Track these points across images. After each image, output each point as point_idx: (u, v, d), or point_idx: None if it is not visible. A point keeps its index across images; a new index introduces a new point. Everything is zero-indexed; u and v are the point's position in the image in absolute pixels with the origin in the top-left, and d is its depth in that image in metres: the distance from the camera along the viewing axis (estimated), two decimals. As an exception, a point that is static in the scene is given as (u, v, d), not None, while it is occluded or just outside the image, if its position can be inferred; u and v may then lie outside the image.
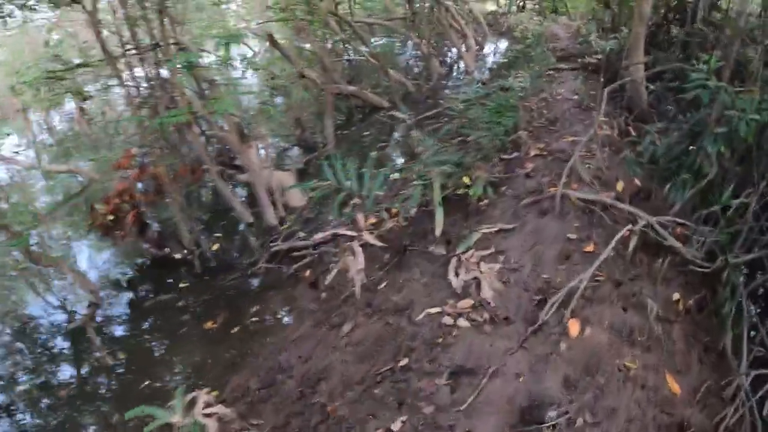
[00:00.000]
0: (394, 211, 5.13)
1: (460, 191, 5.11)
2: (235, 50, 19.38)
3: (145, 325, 6.21)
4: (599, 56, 10.14)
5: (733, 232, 4.32)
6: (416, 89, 12.52)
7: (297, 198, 7.72)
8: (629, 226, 4.23)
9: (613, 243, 4.09)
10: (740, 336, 3.78)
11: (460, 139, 6.37)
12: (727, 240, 4.22)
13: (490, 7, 23.12)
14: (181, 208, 6.98)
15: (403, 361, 3.64)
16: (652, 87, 8.38)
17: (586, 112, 7.63)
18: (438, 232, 4.58)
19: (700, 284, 4.51)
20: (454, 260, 4.34)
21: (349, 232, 4.58)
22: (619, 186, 5.06)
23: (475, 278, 4.12)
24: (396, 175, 5.93)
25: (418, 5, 14.73)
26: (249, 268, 6.62)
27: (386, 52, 15.83)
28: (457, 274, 4.14)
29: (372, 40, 17.33)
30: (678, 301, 4.21)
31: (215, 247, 7.34)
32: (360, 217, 4.53)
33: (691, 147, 5.25)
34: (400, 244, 4.93)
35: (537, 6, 18.88)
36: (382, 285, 4.74)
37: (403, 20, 15.14)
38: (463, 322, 3.75)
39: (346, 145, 9.38)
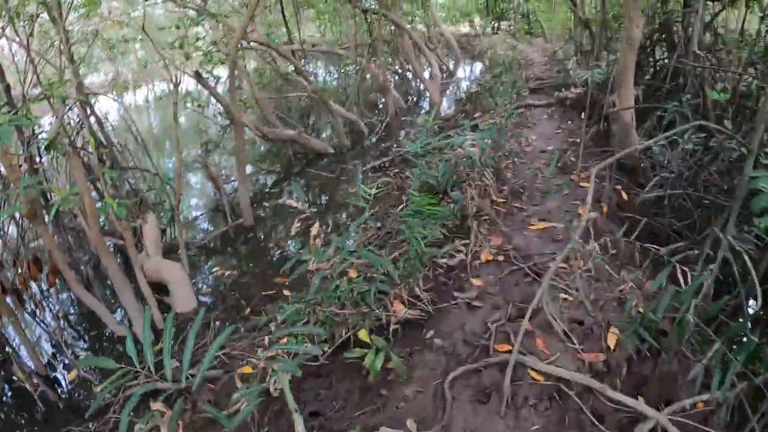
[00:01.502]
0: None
1: (356, 351, 3.06)
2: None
3: None
4: (578, 90, 8.17)
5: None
6: (369, 129, 10.51)
7: (184, 300, 5.63)
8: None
9: None
10: None
11: (377, 235, 4.32)
12: None
13: (464, 29, 21.30)
14: (20, 325, 4.91)
15: None
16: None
17: (563, 173, 5.60)
18: (297, 452, 2.53)
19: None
20: None
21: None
22: (612, 339, 3.00)
23: None
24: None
25: (378, 32, 12.78)
26: (100, 415, 4.53)
27: (343, 86, 13.83)
28: None
29: (332, 70, 15.45)
30: None
31: (72, 375, 5.23)
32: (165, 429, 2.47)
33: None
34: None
35: (511, 27, 17.00)
36: None
37: (362, 48, 13.17)
38: None
39: (266, 217, 7.28)
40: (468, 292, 3.62)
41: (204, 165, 7.44)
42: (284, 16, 12.46)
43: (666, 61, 9.70)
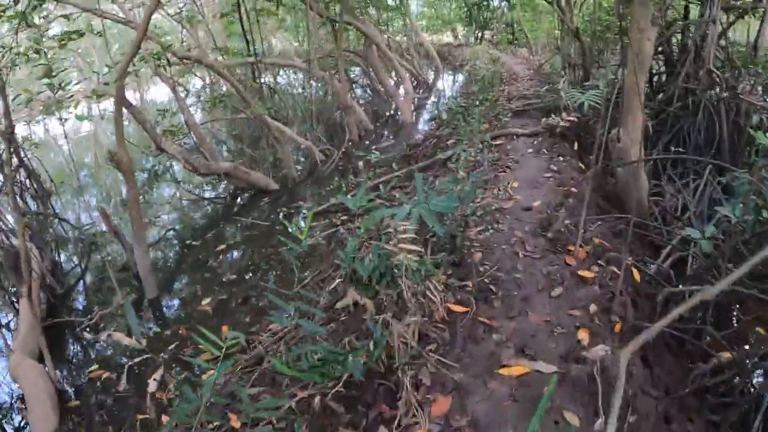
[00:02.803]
0: None
1: None
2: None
3: None
4: (571, 117, 6.44)
5: None
6: (327, 156, 8.71)
7: (42, 419, 3.77)
8: None
9: None
10: None
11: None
12: None
13: (446, 38, 19.56)
14: None
15: None
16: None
17: (554, 247, 3.84)
18: None
19: None
20: None
21: None
22: None
23: None
24: None
25: (339, 42, 11.02)
26: None
27: (306, 104, 11.96)
28: None
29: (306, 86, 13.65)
30: None
31: None
32: None
33: None
34: None
35: (494, 37, 15.31)
36: None
37: (324, 60, 11.39)
38: None
39: (180, 284, 5.44)
40: None
41: (102, 214, 5.62)
42: (243, 26, 10.71)
43: (664, 77, 8.05)
